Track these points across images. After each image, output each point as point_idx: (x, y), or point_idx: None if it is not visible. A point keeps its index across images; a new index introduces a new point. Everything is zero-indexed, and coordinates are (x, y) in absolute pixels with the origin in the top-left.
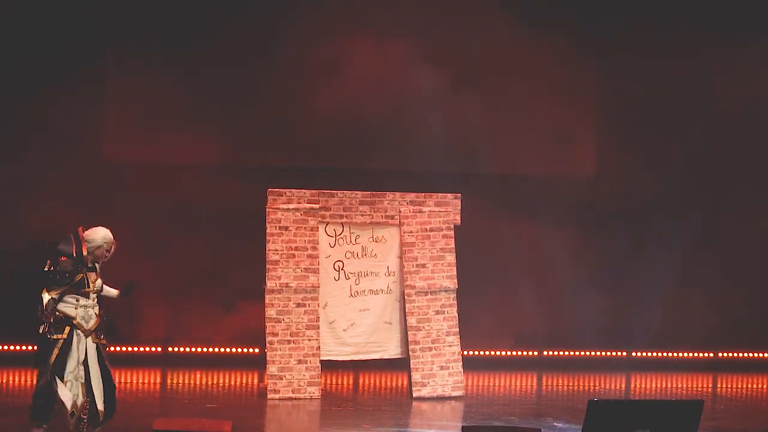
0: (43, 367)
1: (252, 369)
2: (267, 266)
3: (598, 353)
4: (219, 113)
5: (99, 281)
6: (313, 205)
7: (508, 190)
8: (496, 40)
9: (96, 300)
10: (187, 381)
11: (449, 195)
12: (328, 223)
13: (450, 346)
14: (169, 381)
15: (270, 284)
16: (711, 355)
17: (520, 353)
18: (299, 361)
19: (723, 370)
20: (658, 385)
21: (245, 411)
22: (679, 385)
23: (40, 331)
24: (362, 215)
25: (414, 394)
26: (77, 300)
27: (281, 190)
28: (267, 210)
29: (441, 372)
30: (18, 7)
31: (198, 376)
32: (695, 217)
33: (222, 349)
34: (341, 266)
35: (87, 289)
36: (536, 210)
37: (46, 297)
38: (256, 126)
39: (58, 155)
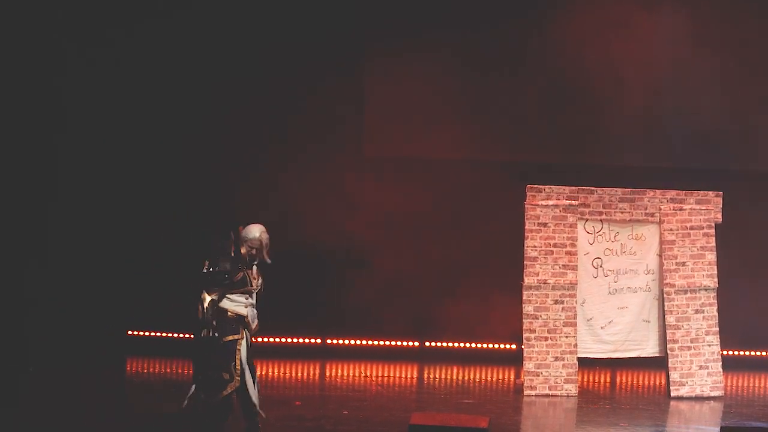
0: (217, 373)
1: (508, 365)
2: (525, 262)
3: None
4: (475, 109)
5: (260, 280)
6: (572, 202)
7: None
8: None
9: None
10: (443, 376)
11: (710, 193)
12: (587, 220)
13: (709, 345)
14: (426, 377)
15: (528, 281)
16: None
17: None
18: (556, 358)
19: None
20: None
21: (502, 407)
22: None
23: (202, 335)
24: (622, 212)
25: (672, 394)
26: (246, 299)
27: (540, 186)
28: (526, 206)
29: (700, 372)
30: (278, 10)
31: (454, 371)
32: None
33: (478, 345)
34: (600, 263)
35: (250, 288)
36: None
37: (207, 299)
38: (511, 122)
39: (321, 153)
